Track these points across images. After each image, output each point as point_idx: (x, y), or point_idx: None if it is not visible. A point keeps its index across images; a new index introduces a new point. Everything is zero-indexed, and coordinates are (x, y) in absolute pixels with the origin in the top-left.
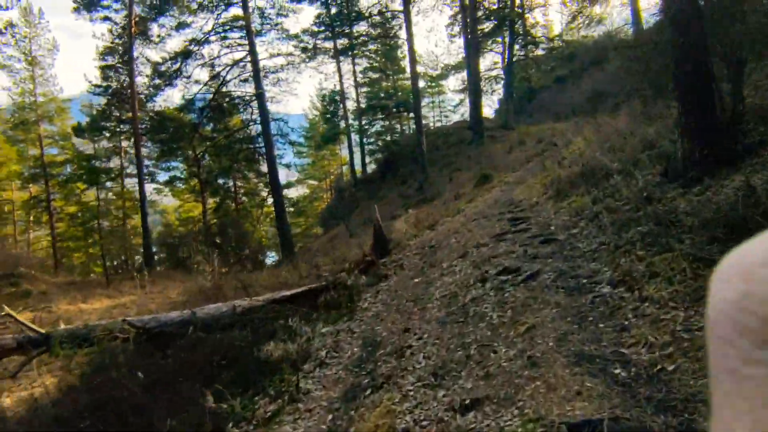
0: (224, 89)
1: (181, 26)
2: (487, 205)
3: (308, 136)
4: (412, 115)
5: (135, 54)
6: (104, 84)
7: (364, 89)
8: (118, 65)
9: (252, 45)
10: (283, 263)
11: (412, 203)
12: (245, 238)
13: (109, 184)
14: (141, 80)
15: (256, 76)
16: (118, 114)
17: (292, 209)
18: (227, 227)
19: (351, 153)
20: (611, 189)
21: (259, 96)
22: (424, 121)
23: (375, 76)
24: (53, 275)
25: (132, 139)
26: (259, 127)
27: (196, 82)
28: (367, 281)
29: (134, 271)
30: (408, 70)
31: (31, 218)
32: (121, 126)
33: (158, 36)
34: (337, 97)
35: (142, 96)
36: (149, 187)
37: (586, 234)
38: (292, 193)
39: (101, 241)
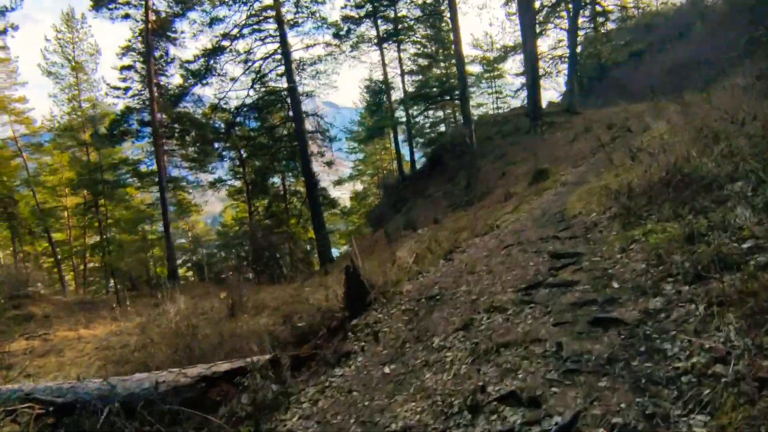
0: (258, 86)
1: (214, 21)
2: (530, 219)
3: (359, 131)
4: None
5: (157, 52)
6: (123, 86)
7: (413, 78)
8: (137, 62)
9: (283, 36)
10: (321, 271)
11: (456, 204)
12: (278, 246)
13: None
14: (164, 80)
15: (288, 69)
16: (143, 118)
17: (336, 211)
18: (258, 235)
19: (397, 147)
20: (721, 213)
21: (291, 90)
22: (481, 109)
23: (424, 62)
24: (70, 293)
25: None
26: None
27: (232, 79)
28: (317, 364)
29: (154, 286)
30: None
31: (85, 224)
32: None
33: (180, 31)
34: (382, 87)
35: (170, 96)
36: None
37: (680, 316)
38: (345, 190)
39: (106, 257)
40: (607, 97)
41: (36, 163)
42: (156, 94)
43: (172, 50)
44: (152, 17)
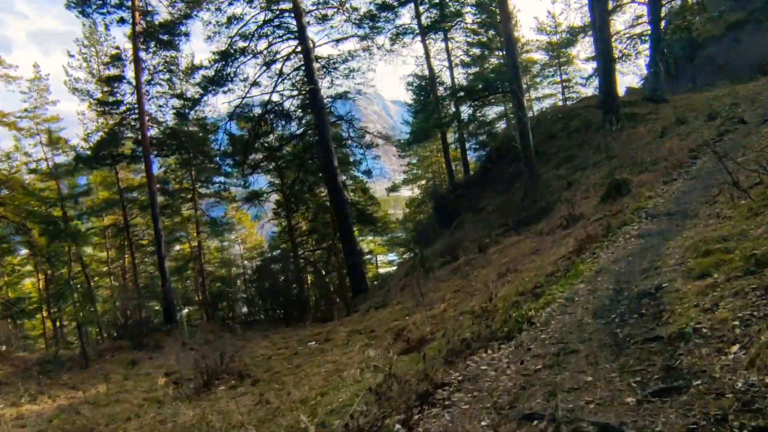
0: (282, 88)
1: (231, 21)
2: (592, 305)
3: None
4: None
5: (147, 60)
6: (111, 99)
7: (467, 70)
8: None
9: (301, 30)
10: (344, 309)
11: (509, 225)
12: (297, 278)
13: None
14: (158, 90)
15: (308, 68)
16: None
17: (374, 229)
18: (270, 268)
19: (446, 151)
20: None
21: (313, 93)
22: (548, 102)
23: (477, 52)
24: (40, 348)
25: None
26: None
27: (255, 83)
28: None
29: (144, 333)
30: (520, 38)
31: (117, 245)
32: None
33: (182, 33)
34: (426, 83)
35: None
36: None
37: None
38: (402, 194)
39: (72, 305)
40: (700, 81)
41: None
42: (146, 108)
43: (172, 54)
44: (138, 13)
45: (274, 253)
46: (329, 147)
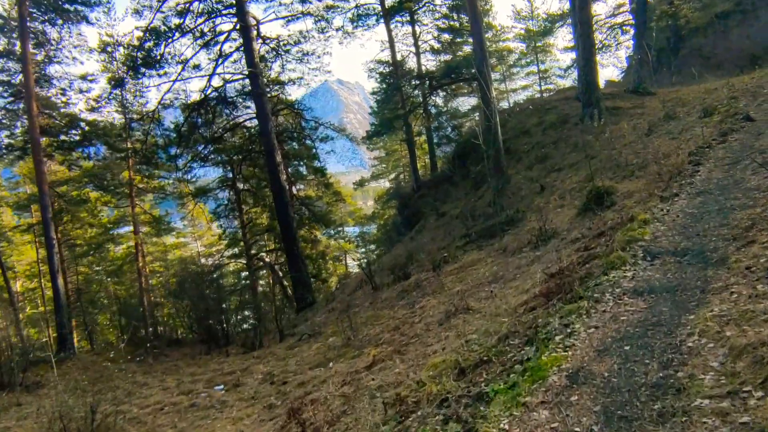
0: (221, 71)
1: None
2: None
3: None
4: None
5: (49, 33)
6: None
7: (437, 57)
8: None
9: (240, 5)
10: (294, 320)
11: (472, 236)
12: (222, 296)
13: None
14: (58, 70)
15: (248, 49)
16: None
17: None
18: (189, 283)
19: (410, 146)
20: None
21: (253, 77)
22: (525, 94)
23: (447, 38)
24: None
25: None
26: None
27: (196, 66)
28: None
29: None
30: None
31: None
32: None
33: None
34: (389, 71)
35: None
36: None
37: None
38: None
39: None
40: (685, 74)
41: None
42: (44, 91)
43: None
44: None
45: (219, 258)
46: (271, 141)
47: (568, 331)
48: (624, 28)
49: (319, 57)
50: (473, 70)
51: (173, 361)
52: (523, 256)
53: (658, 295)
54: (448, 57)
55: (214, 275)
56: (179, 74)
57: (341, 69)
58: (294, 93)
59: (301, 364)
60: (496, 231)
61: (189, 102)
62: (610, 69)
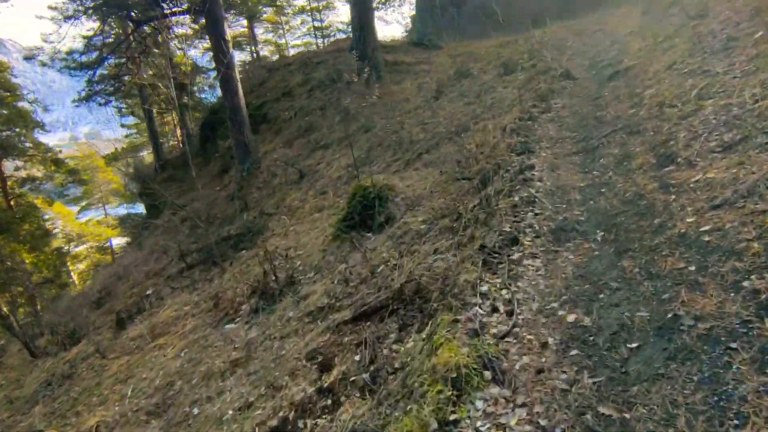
0: None
1: None
2: None
3: None
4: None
5: None
6: None
7: None
8: None
9: None
10: None
11: (196, 258)
12: None
13: None
14: None
15: None
16: None
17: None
18: None
19: (148, 113)
20: None
21: None
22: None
23: None
24: None
25: None
26: None
27: None
28: None
29: None
30: None
31: None
32: None
33: None
34: None
35: None
36: None
37: None
38: None
39: None
40: (471, 32)
41: None
42: None
43: None
44: None
45: None
46: None
47: None
48: None
49: None
50: None
51: None
52: (234, 328)
53: None
54: None
55: None
56: None
57: None
58: None
59: None
60: (223, 252)
61: None
62: (394, 26)
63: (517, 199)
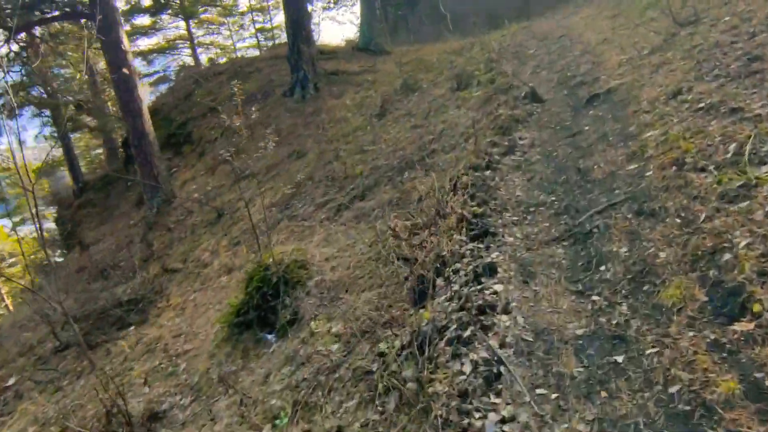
0: None
1: None
2: None
3: None
4: None
5: None
6: None
7: None
8: None
9: None
10: None
11: (62, 344)
12: None
13: None
14: None
15: None
16: None
17: None
18: None
19: (62, 132)
20: None
21: None
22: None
23: None
24: None
25: None
26: None
27: None
28: None
29: None
30: None
31: None
32: None
33: None
34: None
35: None
36: None
37: None
38: None
39: None
40: (424, 32)
41: None
42: None
43: None
44: None
45: None
46: None
47: None
48: None
49: None
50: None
51: None
52: None
53: None
54: None
55: None
56: None
57: None
58: None
59: None
60: (108, 329)
61: None
62: (349, 27)
63: (467, 371)
